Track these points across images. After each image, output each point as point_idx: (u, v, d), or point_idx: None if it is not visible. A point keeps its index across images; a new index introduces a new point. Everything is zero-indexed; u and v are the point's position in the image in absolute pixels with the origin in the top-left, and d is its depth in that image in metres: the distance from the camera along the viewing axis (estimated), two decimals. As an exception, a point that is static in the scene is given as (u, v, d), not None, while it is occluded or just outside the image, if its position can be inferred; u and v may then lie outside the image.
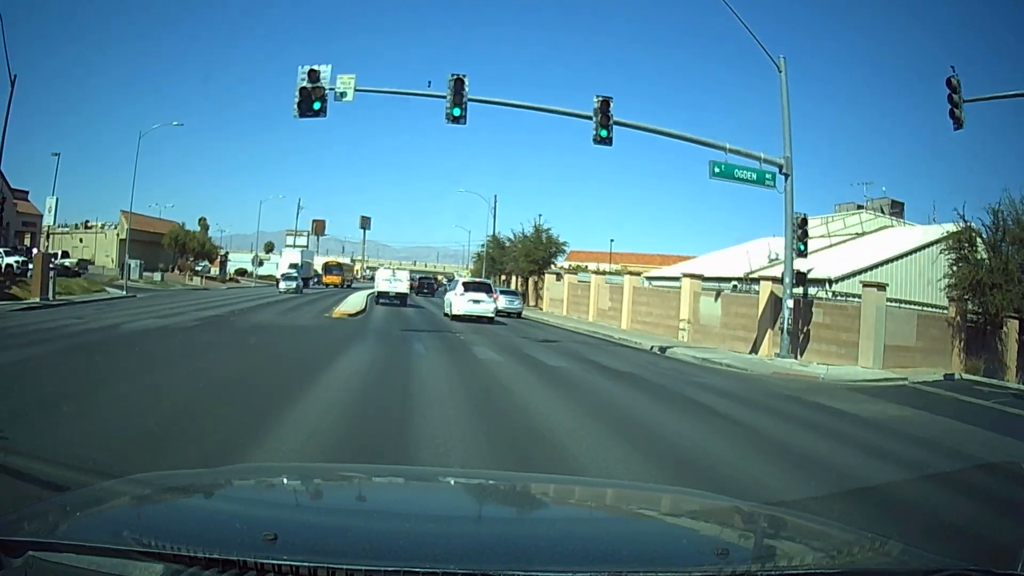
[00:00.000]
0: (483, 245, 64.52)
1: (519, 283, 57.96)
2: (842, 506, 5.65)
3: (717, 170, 18.87)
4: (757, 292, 22.82)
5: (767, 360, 18.03)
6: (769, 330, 20.46)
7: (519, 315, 35.93)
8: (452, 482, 2.96)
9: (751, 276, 27.82)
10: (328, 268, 75.39)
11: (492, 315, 29.02)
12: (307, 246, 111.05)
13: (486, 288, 30.82)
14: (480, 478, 3.37)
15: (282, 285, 47.21)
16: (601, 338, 24.43)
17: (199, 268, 69.62)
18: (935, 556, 1.84)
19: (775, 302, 20.44)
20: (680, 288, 26.46)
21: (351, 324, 22.44)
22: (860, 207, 37.52)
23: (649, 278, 35.40)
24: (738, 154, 19.20)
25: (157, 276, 51.28)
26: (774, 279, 21.79)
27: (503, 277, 63.77)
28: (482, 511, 2.38)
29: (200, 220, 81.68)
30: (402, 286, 38.35)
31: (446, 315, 30.40)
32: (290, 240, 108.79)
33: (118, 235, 60.29)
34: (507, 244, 56.42)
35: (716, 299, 24.17)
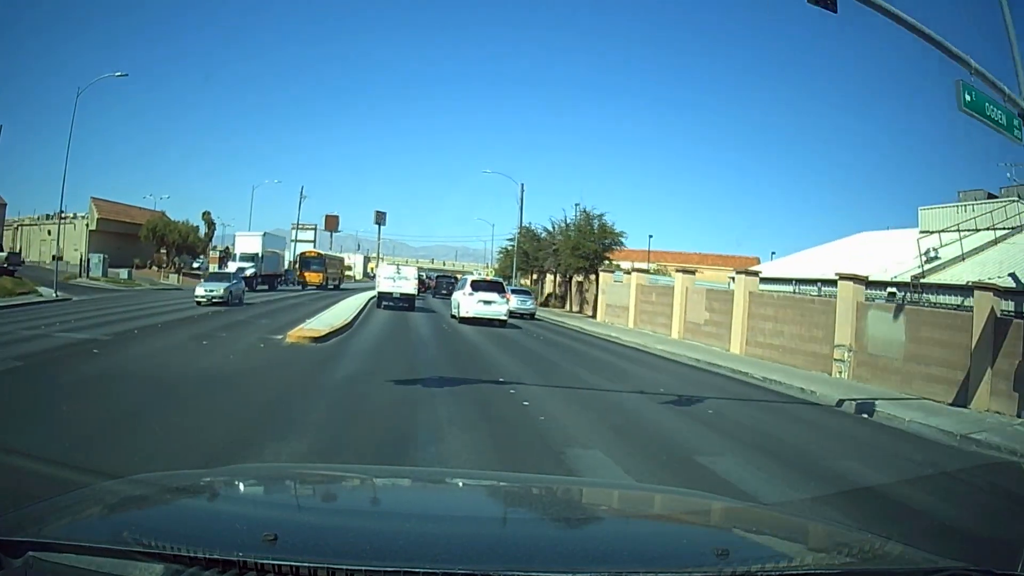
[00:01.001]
0: (511, 239, 58.31)
1: (557, 284, 51.57)
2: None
3: (968, 98, 13.64)
4: (951, 308, 18.17)
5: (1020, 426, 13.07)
6: (988, 369, 14.95)
7: (532, 316, 35.97)
8: (452, 483, 3.04)
9: (920, 281, 22.28)
10: (305, 262, 58.51)
11: (505, 317, 28.29)
12: (314, 241, 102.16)
13: (498, 287, 29.54)
14: (480, 479, 3.51)
15: (200, 290, 30.73)
16: (726, 376, 18.97)
17: (196, 264, 65.11)
18: (935, 556, 1.87)
19: (996, 325, 15.12)
20: (834, 297, 20.40)
21: (305, 360, 14.88)
22: (991, 196, 31.22)
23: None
24: (983, 79, 13.76)
25: (124, 273, 47.97)
26: (995, 288, 15.86)
27: (534, 276, 57.75)
28: (482, 511, 2.47)
29: (204, 215, 77.46)
30: (408, 286, 33.74)
31: (453, 317, 29.52)
32: (306, 236, 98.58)
33: (87, 226, 52.54)
34: (543, 236, 49.46)
35: (896, 316, 17.66)
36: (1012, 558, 3.32)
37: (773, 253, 41.12)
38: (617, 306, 34.96)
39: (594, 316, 38.09)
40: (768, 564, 1.79)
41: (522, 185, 53.98)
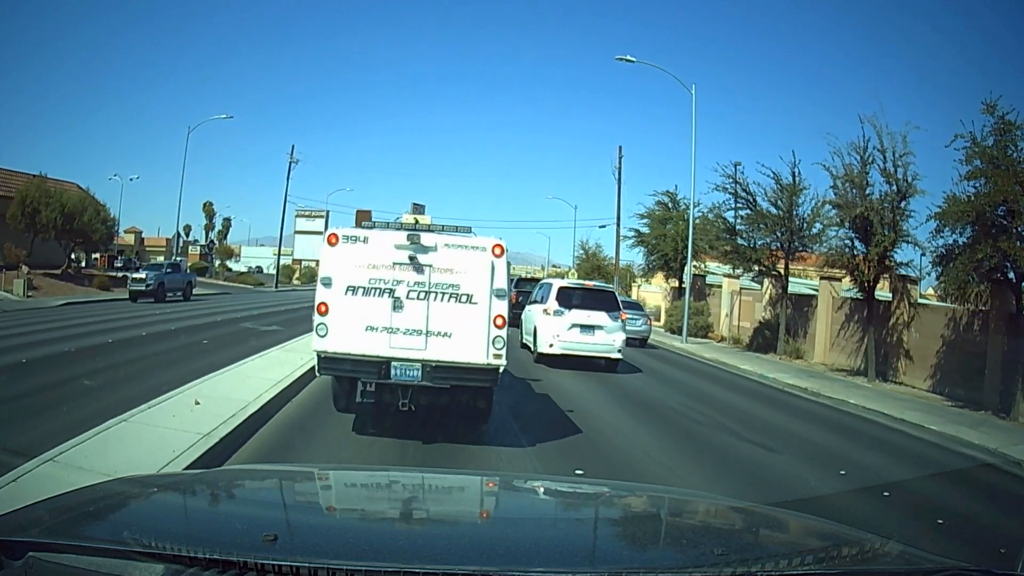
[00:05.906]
0: (606, 226, 43.45)
1: (785, 303, 25.12)
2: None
3: None
4: None
5: None
6: None
7: (643, 342, 24.72)
8: (452, 483, 3.08)
9: None
10: None
11: (618, 356, 16.85)
12: (323, 232, 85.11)
13: (607, 301, 17.56)
14: (481, 479, 3.58)
15: None
16: None
17: (118, 263, 51.16)
18: (935, 556, 1.95)
19: None
20: None
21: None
22: None
23: None
24: None
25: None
26: None
27: (680, 281, 33.56)
28: (482, 512, 2.56)
29: (205, 205, 66.48)
30: (469, 327, 7.67)
31: (524, 346, 18.77)
32: (303, 225, 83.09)
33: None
34: (765, 202, 25.01)
35: None
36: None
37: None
38: None
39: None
40: (768, 564, 1.83)
41: (620, 147, 38.59)
